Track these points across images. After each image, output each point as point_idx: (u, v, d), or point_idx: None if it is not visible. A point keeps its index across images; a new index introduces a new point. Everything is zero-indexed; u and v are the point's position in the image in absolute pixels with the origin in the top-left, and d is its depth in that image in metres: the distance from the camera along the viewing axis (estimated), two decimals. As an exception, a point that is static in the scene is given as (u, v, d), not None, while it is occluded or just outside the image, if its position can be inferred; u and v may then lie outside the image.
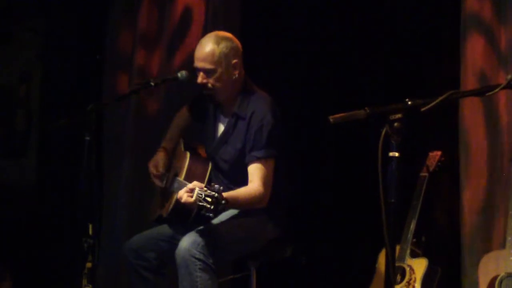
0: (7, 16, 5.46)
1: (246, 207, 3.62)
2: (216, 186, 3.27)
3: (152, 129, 4.82)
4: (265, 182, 3.59)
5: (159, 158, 3.92)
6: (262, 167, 3.60)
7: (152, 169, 3.90)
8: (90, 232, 3.63)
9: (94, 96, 4.85)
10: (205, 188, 3.25)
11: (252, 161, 3.62)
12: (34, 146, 5.59)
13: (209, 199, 3.22)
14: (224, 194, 3.28)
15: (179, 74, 3.84)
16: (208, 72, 3.63)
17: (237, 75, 3.67)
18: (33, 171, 5.57)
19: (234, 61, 3.65)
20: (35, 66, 5.60)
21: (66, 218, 5.17)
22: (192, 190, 3.31)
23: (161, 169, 3.88)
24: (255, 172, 3.60)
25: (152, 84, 3.78)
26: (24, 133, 5.59)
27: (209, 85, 3.65)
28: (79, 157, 4.33)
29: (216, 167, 3.79)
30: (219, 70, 3.63)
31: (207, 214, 3.26)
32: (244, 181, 3.61)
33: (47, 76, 5.55)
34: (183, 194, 3.38)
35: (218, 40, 3.65)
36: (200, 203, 3.24)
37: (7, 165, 5.56)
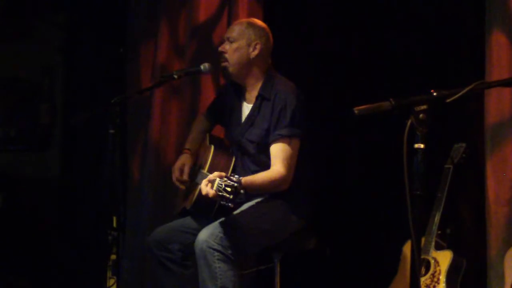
0: (28, 10, 5.48)
1: (266, 191, 3.62)
2: (236, 176, 3.26)
3: (176, 123, 4.82)
4: (287, 163, 3.59)
5: (185, 162, 3.88)
6: (286, 147, 3.60)
7: (176, 173, 3.86)
8: (114, 224, 3.65)
9: (117, 89, 4.86)
10: (225, 178, 3.24)
11: (275, 140, 3.62)
12: (58, 140, 5.61)
13: (228, 189, 3.21)
14: (242, 180, 3.28)
15: (202, 67, 3.86)
16: (230, 41, 3.77)
17: (255, 56, 3.75)
18: (57, 164, 5.60)
19: (256, 42, 3.76)
20: (58, 59, 5.62)
21: (90, 211, 5.19)
22: (213, 181, 3.31)
23: (185, 176, 3.84)
24: (278, 153, 3.60)
25: (175, 76, 3.79)
26: (47, 126, 5.62)
27: (226, 54, 3.76)
28: (102, 151, 4.35)
29: (243, 151, 3.78)
30: (240, 41, 3.75)
31: (227, 204, 3.25)
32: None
33: (70, 70, 5.58)
34: (203, 186, 3.38)
35: (252, 23, 3.83)
36: (220, 193, 3.23)
37: (31, 158, 5.59)
